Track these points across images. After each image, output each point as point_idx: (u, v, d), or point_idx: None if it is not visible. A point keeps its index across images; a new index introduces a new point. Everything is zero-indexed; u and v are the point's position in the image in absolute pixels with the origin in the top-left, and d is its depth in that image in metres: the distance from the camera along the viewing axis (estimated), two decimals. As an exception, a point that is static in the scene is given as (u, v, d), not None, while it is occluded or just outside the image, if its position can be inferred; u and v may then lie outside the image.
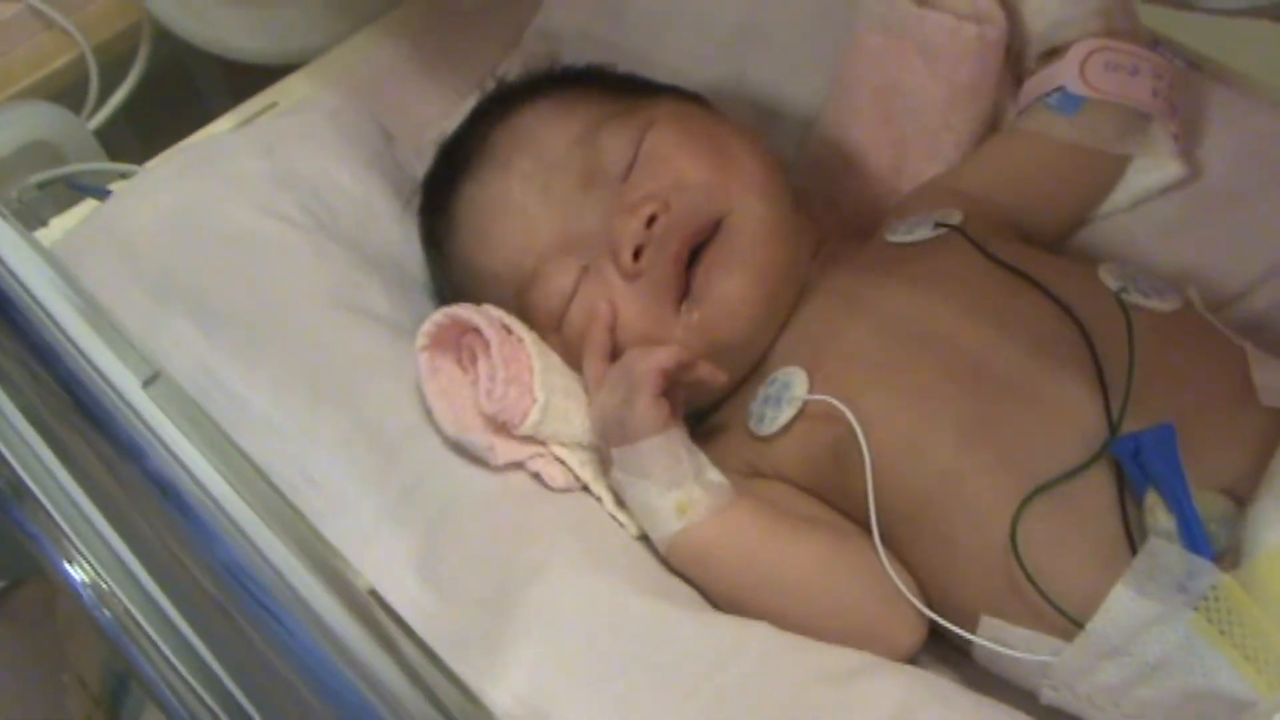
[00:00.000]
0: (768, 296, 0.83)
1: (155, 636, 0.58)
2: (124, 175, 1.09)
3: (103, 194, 1.04)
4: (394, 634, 0.52)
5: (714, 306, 0.81)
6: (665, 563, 0.78)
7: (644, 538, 0.79)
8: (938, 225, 0.85)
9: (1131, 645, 0.65)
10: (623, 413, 0.77)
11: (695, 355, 0.79)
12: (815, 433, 0.79)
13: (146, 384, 0.58)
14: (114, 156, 1.17)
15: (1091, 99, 0.89)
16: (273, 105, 1.14)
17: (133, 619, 0.59)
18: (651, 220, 0.80)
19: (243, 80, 1.23)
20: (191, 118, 1.15)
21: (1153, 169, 0.91)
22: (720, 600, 0.76)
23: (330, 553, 0.55)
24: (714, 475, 0.78)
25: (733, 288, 0.81)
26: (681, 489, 0.76)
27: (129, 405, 0.57)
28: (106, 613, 0.61)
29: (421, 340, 0.80)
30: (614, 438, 0.78)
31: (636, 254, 0.80)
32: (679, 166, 0.83)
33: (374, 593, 0.54)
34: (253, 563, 0.52)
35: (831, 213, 0.95)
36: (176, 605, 0.58)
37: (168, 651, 0.58)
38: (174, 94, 1.33)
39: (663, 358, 0.77)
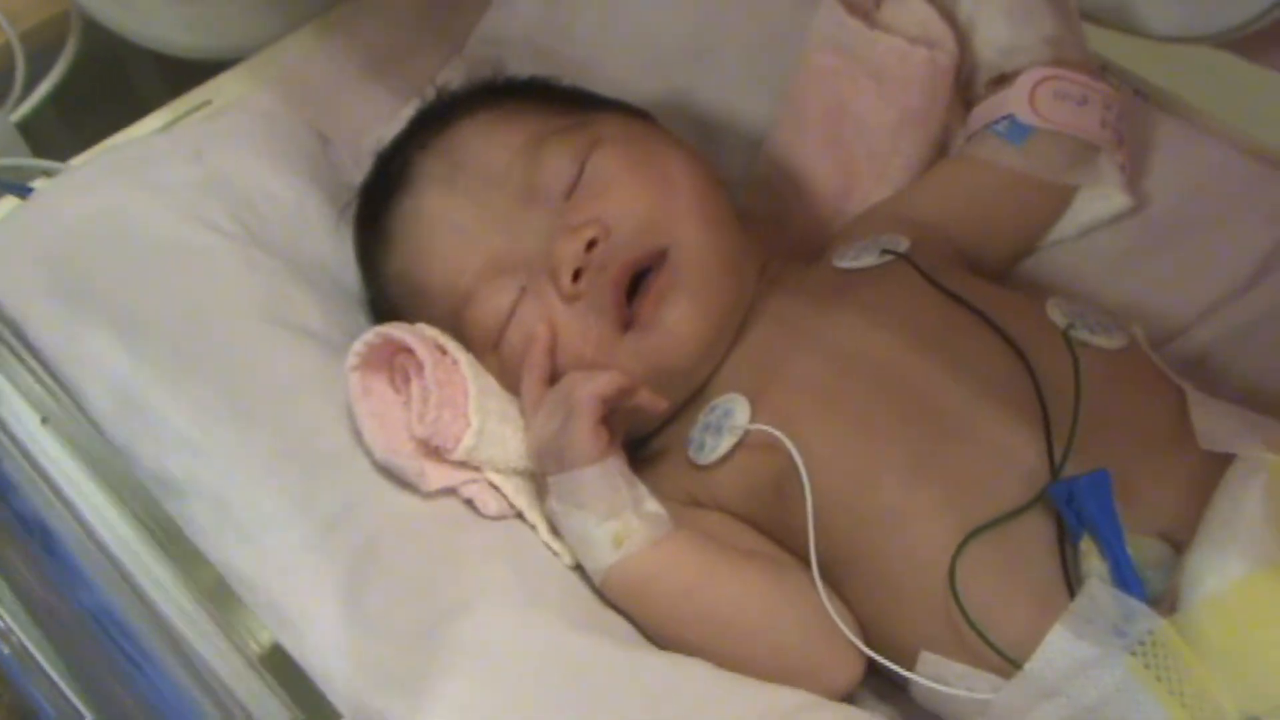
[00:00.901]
0: (714, 325, 0.81)
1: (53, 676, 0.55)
2: (47, 172, 1.05)
3: (24, 192, 1.00)
4: (298, 690, 0.49)
5: (658, 334, 0.79)
6: (601, 595, 0.76)
7: (579, 568, 0.77)
8: (884, 252, 0.84)
9: (1068, 687, 0.64)
10: (560, 440, 0.75)
11: (636, 381, 0.77)
12: (756, 463, 0.78)
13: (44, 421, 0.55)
14: (40, 151, 1.12)
15: (1040, 128, 0.88)
16: (206, 103, 1.10)
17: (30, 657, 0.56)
18: (592, 244, 0.78)
19: (179, 73, 1.19)
20: (124, 111, 1.11)
21: (1099, 199, 0.91)
22: (655, 634, 0.75)
23: (231, 603, 0.52)
24: (652, 506, 0.76)
25: (678, 317, 0.79)
26: (618, 520, 0.74)
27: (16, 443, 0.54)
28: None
29: (352, 360, 0.77)
30: (550, 465, 0.76)
31: (576, 276, 0.78)
32: (623, 191, 0.81)
33: (277, 647, 0.51)
34: (127, 611, 0.49)
35: (778, 233, 0.94)
36: (55, 649, 0.55)
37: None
38: (106, 86, 1.29)
39: (603, 384, 0.75)
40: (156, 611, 0.49)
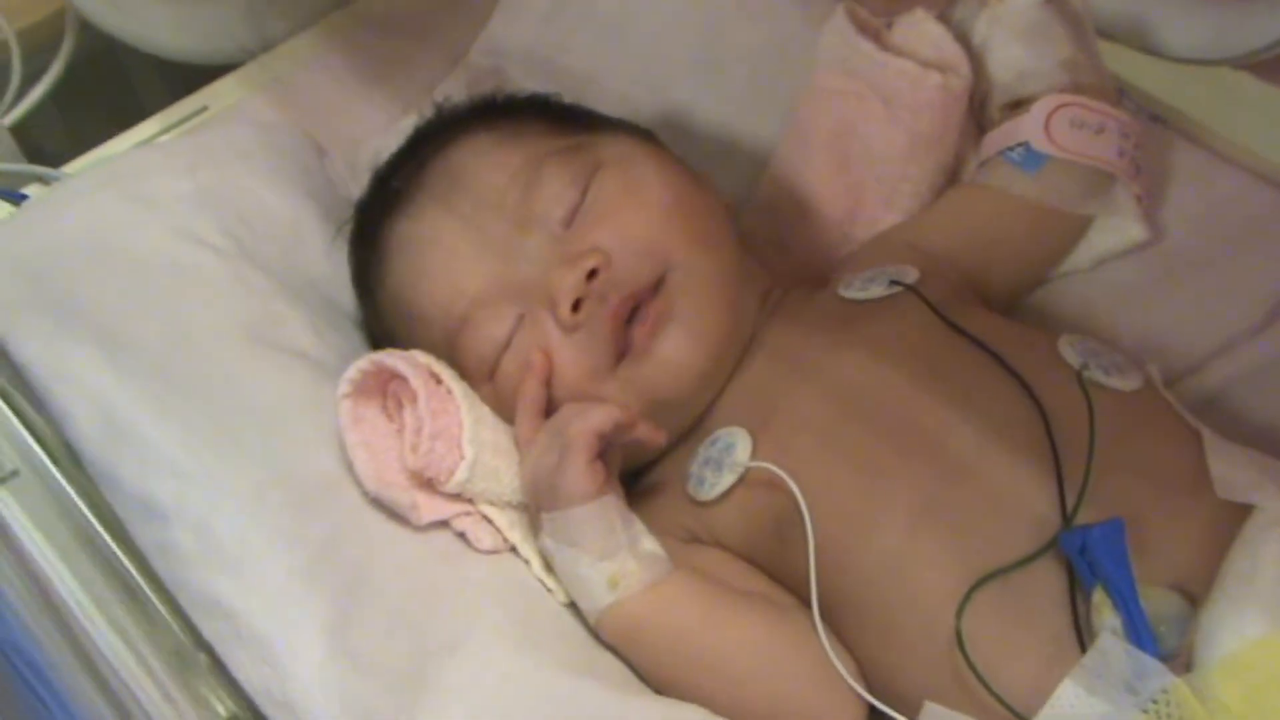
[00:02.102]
0: (712, 356, 0.79)
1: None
2: (41, 178, 1.03)
3: (16, 198, 0.98)
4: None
5: (655, 365, 0.77)
6: (596, 634, 0.74)
7: (574, 605, 0.75)
8: (892, 283, 0.82)
9: None
10: (554, 477, 0.73)
11: (633, 414, 0.75)
12: (757, 501, 0.76)
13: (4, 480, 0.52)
14: (36, 155, 1.11)
15: (1055, 157, 0.86)
16: (202, 109, 1.09)
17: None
18: (593, 274, 0.76)
19: (179, 76, 1.18)
20: (122, 114, 1.10)
21: (1114, 230, 0.89)
22: (651, 678, 0.73)
23: (193, 673, 0.50)
24: (649, 545, 0.74)
25: (676, 346, 0.78)
26: (614, 560, 0.72)
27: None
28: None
29: (345, 387, 0.75)
30: (544, 502, 0.74)
31: (576, 306, 0.76)
32: (625, 218, 0.79)
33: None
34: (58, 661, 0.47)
35: (782, 258, 0.92)
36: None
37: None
38: (104, 88, 1.27)
39: (599, 419, 0.73)
40: (111, 670, 0.47)
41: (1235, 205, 0.90)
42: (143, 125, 1.08)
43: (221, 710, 0.51)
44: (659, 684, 0.73)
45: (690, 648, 0.72)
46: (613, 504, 0.73)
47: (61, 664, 0.47)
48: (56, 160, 1.05)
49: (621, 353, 0.77)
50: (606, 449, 0.75)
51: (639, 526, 0.75)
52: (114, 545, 0.58)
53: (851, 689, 0.70)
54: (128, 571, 0.57)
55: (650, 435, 0.76)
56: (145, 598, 0.55)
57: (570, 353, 0.77)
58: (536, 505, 0.75)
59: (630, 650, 0.73)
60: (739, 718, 0.70)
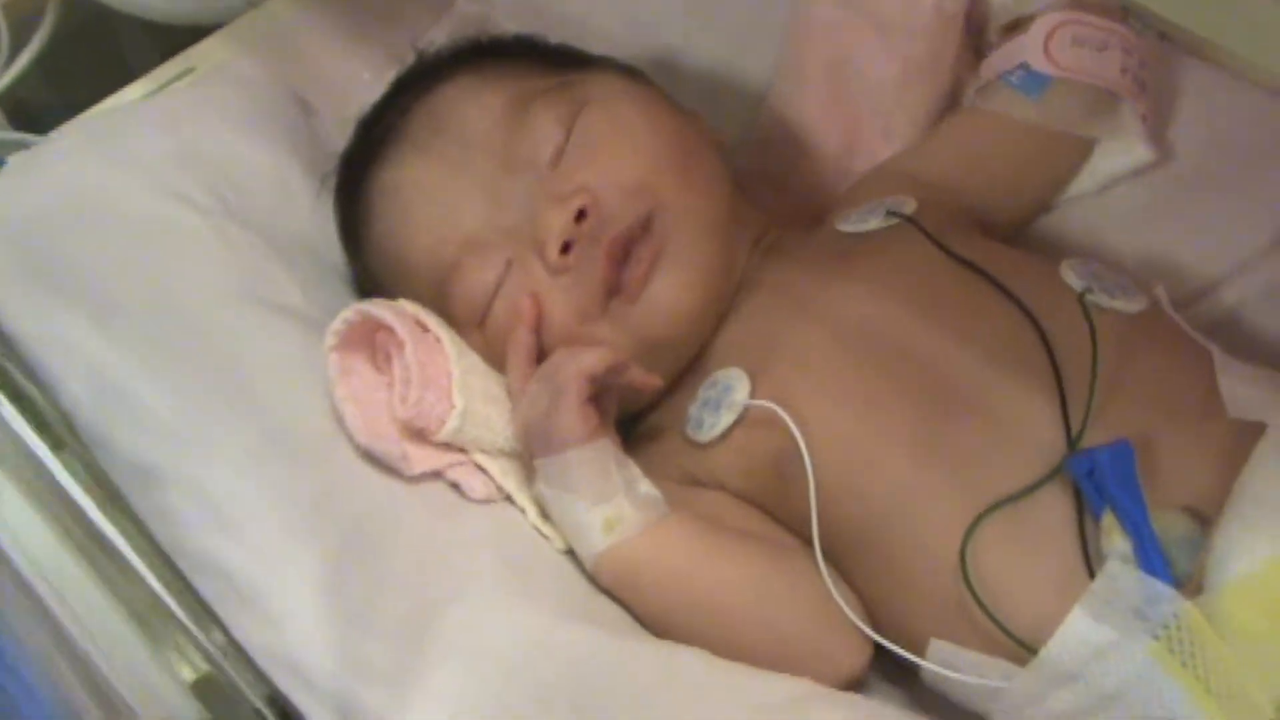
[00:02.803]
0: (703, 294, 0.78)
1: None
2: (24, 146, 1.01)
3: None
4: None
5: (647, 305, 0.76)
6: (594, 580, 0.73)
7: (571, 551, 0.74)
8: (890, 214, 0.80)
9: (1087, 673, 0.62)
10: (547, 421, 0.72)
11: (627, 357, 0.74)
12: (756, 441, 0.74)
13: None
14: (25, 123, 1.09)
15: (1056, 77, 0.83)
16: (189, 71, 1.07)
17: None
18: (581, 214, 0.74)
19: (168, 39, 1.16)
20: (111, 80, 1.08)
21: (1120, 152, 0.87)
22: (651, 622, 0.72)
23: (163, 637, 0.49)
24: (645, 488, 0.73)
25: (667, 286, 0.76)
26: (609, 504, 0.71)
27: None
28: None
29: (331, 339, 0.74)
30: (538, 448, 0.73)
31: (565, 249, 0.74)
32: (612, 156, 0.77)
33: (208, 679, 0.48)
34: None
35: (780, 196, 0.90)
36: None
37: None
38: (92, 53, 1.25)
39: (590, 361, 0.72)
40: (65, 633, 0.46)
41: (1245, 123, 0.88)
42: (129, 88, 1.06)
43: (188, 673, 0.49)
44: (658, 627, 0.72)
45: (688, 590, 0.72)
46: (607, 447, 0.72)
47: (19, 624, 0.46)
48: (45, 128, 1.04)
49: (611, 295, 0.76)
50: (600, 393, 0.74)
51: (635, 470, 0.73)
52: (82, 503, 0.56)
53: (855, 628, 0.69)
54: (97, 532, 0.56)
55: (644, 379, 0.75)
56: (117, 557, 0.53)
57: (560, 296, 0.76)
58: (530, 452, 0.74)
59: (628, 594, 0.72)
60: (740, 659, 0.69)
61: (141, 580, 0.53)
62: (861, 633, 0.70)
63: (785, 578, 0.72)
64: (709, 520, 0.74)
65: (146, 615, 0.50)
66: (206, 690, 0.48)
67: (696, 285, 0.77)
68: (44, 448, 0.57)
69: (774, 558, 0.73)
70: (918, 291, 0.75)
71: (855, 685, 0.72)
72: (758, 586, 0.72)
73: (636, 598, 0.72)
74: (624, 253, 0.75)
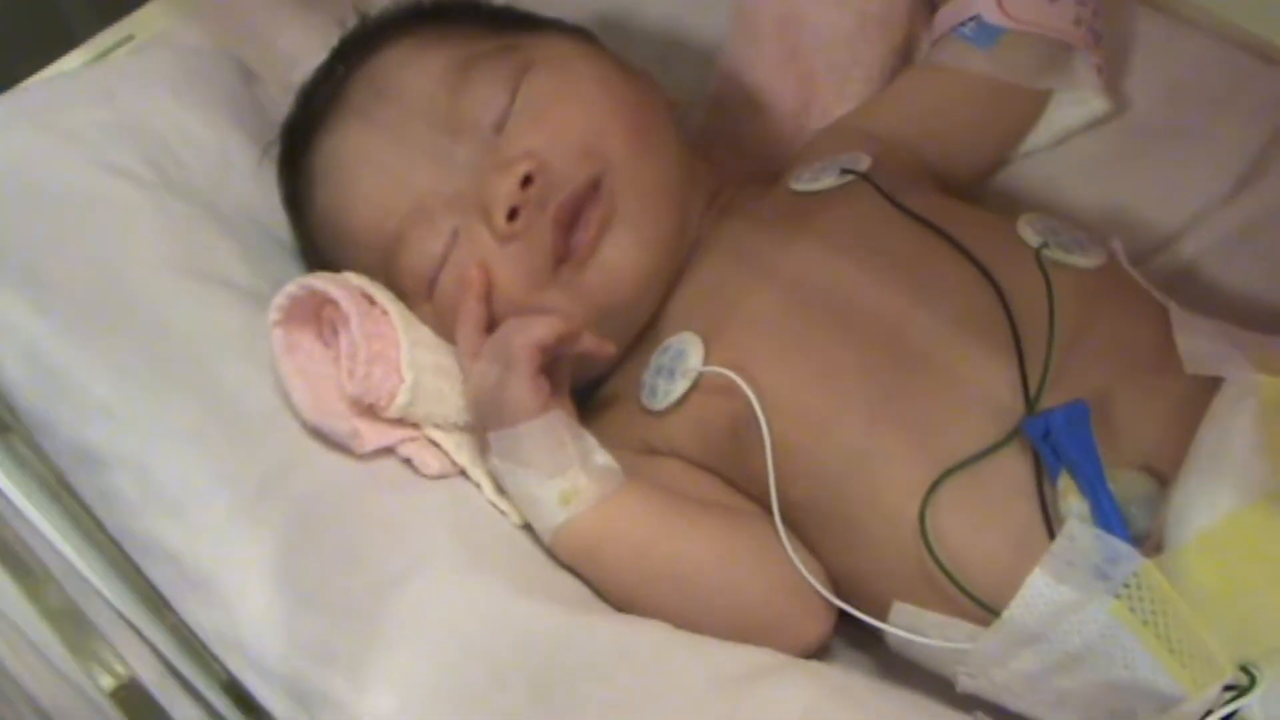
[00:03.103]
0: (655, 257, 0.76)
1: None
2: (-39, 120, 0.99)
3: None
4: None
5: (597, 270, 0.74)
6: (549, 554, 0.72)
7: (528, 526, 0.73)
8: (844, 172, 0.79)
9: (1050, 633, 0.61)
10: (498, 393, 0.70)
11: (579, 325, 0.72)
12: (712, 408, 0.73)
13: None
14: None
15: (1009, 29, 0.82)
16: (129, 39, 1.04)
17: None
18: (527, 180, 0.73)
19: (112, 4, 1.13)
20: (53, 46, 1.05)
21: (1074, 104, 0.86)
22: (611, 595, 0.71)
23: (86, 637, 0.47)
24: (601, 459, 0.72)
25: (617, 249, 0.74)
26: (564, 477, 0.70)
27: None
28: None
29: (274, 314, 0.72)
30: (490, 420, 0.72)
31: (511, 215, 0.73)
32: (558, 119, 0.75)
33: (133, 681, 0.46)
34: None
35: (736, 156, 0.89)
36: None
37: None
38: (34, 19, 1.22)
39: (540, 331, 0.70)
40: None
41: (1201, 73, 0.87)
42: (67, 57, 1.03)
43: (107, 681, 0.48)
44: (618, 600, 0.71)
45: (648, 561, 0.71)
46: (560, 419, 0.71)
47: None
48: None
49: (560, 260, 0.74)
50: (553, 363, 0.72)
51: (590, 441, 0.72)
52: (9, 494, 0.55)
53: (817, 593, 0.69)
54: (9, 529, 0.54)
55: (598, 347, 0.73)
56: (29, 556, 0.52)
57: (509, 264, 0.74)
58: (483, 425, 0.72)
59: (587, 567, 0.71)
60: (703, 629, 0.68)
61: (59, 584, 0.51)
62: (823, 599, 0.69)
63: (745, 546, 0.71)
64: (667, 489, 0.73)
65: (66, 620, 0.48)
66: (128, 698, 0.47)
67: (648, 247, 0.75)
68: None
69: (733, 526, 0.72)
70: (873, 250, 0.74)
71: (819, 652, 0.72)
72: (718, 555, 0.71)
73: (595, 570, 0.71)
74: (572, 217, 0.74)
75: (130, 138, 0.84)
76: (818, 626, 0.71)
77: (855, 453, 0.69)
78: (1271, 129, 0.84)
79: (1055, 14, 0.83)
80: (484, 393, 0.71)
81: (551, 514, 0.70)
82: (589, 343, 0.73)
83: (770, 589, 0.70)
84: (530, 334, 0.70)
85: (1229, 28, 0.88)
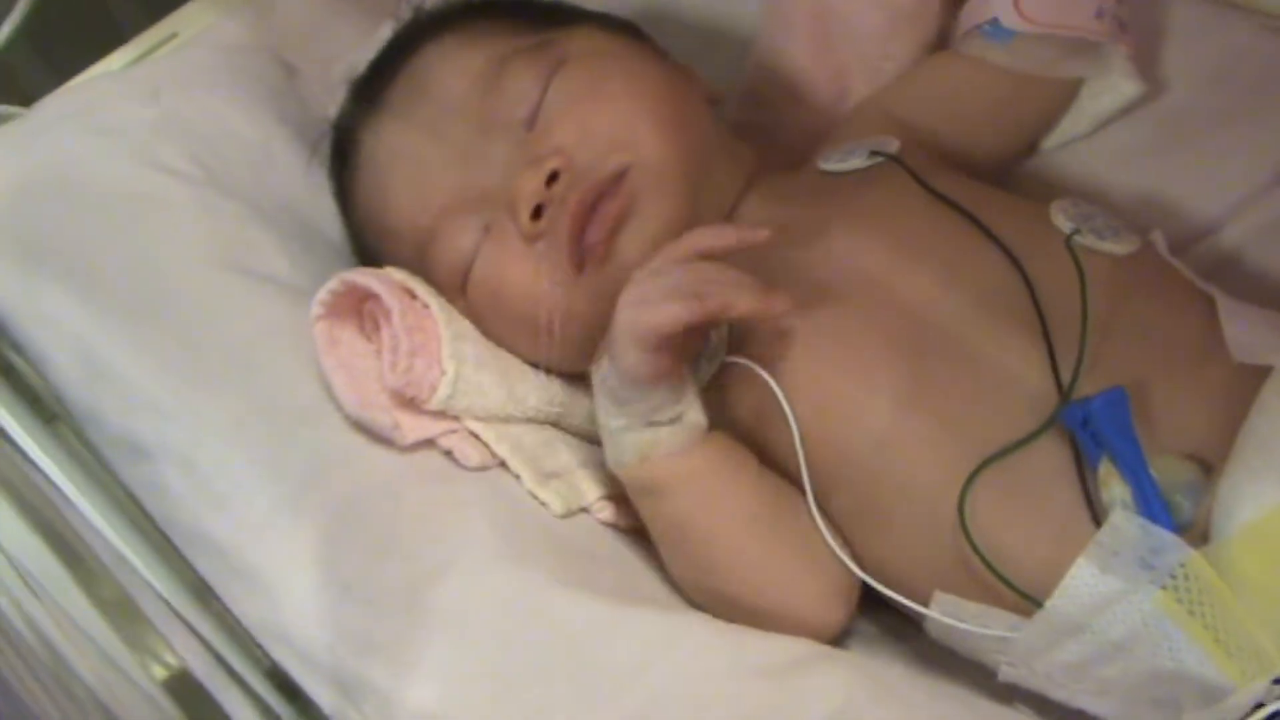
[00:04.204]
0: None
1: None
2: (8, 118, 1.00)
3: (-12, 140, 0.95)
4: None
5: (617, 268, 0.73)
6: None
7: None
8: (873, 154, 0.78)
9: (1093, 623, 0.61)
10: (634, 336, 0.67)
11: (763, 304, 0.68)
12: (736, 394, 0.73)
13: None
14: (10, 93, 1.08)
15: (1024, 32, 0.81)
16: (172, 36, 1.06)
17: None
18: (554, 177, 0.72)
19: (157, 3, 1.14)
20: (101, 44, 1.06)
21: (1105, 91, 0.85)
22: (656, 538, 0.72)
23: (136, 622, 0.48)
24: (693, 416, 0.70)
25: (635, 247, 0.73)
26: (650, 431, 0.69)
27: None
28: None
29: (317, 309, 0.73)
30: (614, 349, 0.69)
31: (537, 213, 0.73)
32: (587, 114, 0.75)
33: (183, 675, 0.47)
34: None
35: (772, 147, 0.88)
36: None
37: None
38: (80, 17, 1.23)
39: (721, 301, 0.66)
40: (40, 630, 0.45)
41: (1242, 56, 0.85)
42: (112, 56, 1.05)
43: (159, 671, 0.48)
44: (671, 553, 0.72)
45: (704, 519, 0.71)
46: (666, 387, 0.69)
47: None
48: (33, 98, 1.02)
49: (579, 264, 0.73)
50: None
51: (687, 402, 0.70)
52: (62, 485, 0.56)
53: (839, 575, 0.69)
54: (61, 519, 0.55)
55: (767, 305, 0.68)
56: (81, 547, 0.52)
57: (533, 263, 0.74)
58: (605, 345, 0.70)
59: (646, 504, 0.72)
60: (731, 595, 0.69)
61: (111, 575, 0.51)
62: (847, 578, 0.69)
63: (790, 523, 0.70)
64: (741, 457, 0.72)
65: (118, 611, 0.48)
66: (180, 688, 0.47)
67: (665, 241, 0.73)
68: (20, 431, 0.55)
69: (781, 498, 0.72)
70: (902, 233, 0.74)
71: (860, 642, 0.72)
72: (760, 530, 0.71)
73: (651, 511, 0.72)
74: (588, 215, 0.73)
75: (175, 135, 0.85)
76: (840, 608, 0.71)
77: (884, 439, 0.68)
78: (1314, 118, 0.83)
79: (1074, 11, 0.81)
80: (623, 325, 0.68)
81: (627, 456, 0.70)
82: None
83: (799, 569, 0.70)
84: (715, 300, 0.65)
85: (1269, 13, 0.86)
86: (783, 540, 0.70)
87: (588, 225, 0.73)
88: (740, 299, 0.66)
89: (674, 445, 0.70)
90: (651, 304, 0.66)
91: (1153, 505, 0.61)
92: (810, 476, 0.69)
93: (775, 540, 0.70)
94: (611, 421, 0.70)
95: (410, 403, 0.72)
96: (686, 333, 0.67)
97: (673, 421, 0.70)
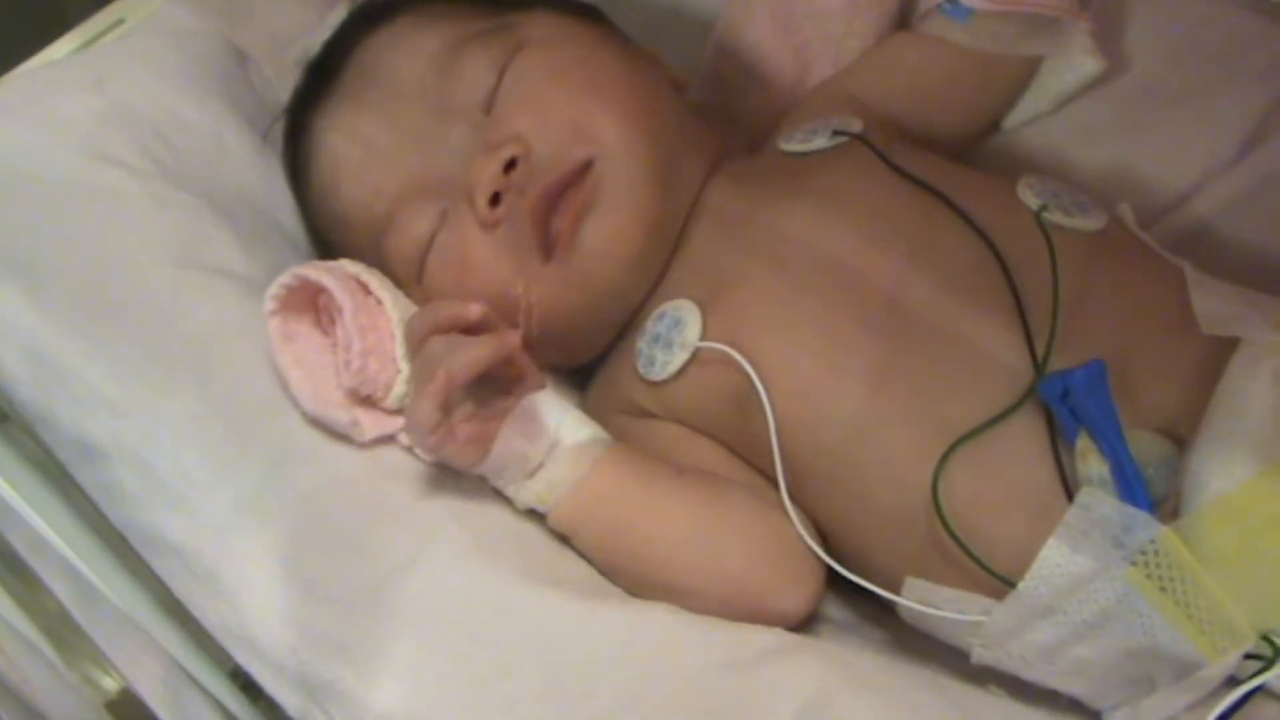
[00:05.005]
0: (642, 240, 0.75)
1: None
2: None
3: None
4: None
5: (584, 257, 0.73)
6: (556, 540, 0.71)
7: (532, 512, 0.72)
8: (836, 134, 0.78)
9: (1065, 604, 0.61)
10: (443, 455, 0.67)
11: (566, 310, 0.72)
12: (711, 380, 0.72)
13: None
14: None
15: (983, 10, 0.81)
16: (119, 22, 1.03)
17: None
18: (511, 164, 0.71)
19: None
20: (48, 30, 1.04)
21: (1067, 68, 0.84)
22: (604, 573, 0.71)
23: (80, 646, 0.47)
24: (570, 439, 0.69)
25: (601, 235, 0.73)
26: (537, 477, 0.69)
27: None
28: None
29: (270, 304, 0.71)
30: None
31: (495, 200, 0.71)
32: (546, 100, 0.74)
33: (126, 691, 0.46)
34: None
35: (732, 130, 0.87)
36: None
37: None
38: (27, 2, 1.21)
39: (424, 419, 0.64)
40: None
41: (1204, 29, 0.85)
42: (58, 43, 1.02)
43: (111, 684, 0.47)
44: (614, 577, 0.71)
45: (625, 540, 0.70)
46: (513, 440, 0.68)
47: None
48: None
49: (547, 252, 0.73)
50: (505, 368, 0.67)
51: (559, 421, 0.70)
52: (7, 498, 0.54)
53: (802, 560, 0.69)
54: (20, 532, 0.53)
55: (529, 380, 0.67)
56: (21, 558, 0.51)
57: (492, 250, 0.73)
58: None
59: (579, 546, 0.71)
60: (695, 602, 0.68)
61: (50, 591, 0.50)
62: (810, 567, 0.69)
63: (722, 516, 0.70)
64: (646, 461, 0.72)
65: (60, 628, 0.47)
66: (125, 708, 0.46)
67: (636, 229, 0.74)
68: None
69: (711, 495, 0.71)
70: (869, 212, 0.73)
71: (833, 628, 0.72)
72: (692, 530, 0.70)
73: (583, 550, 0.71)
74: (550, 204, 0.72)
75: (122, 126, 0.83)
76: (805, 594, 0.70)
77: (859, 423, 0.68)
78: (1277, 89, 0.82)
79: (1035, -13, 0.81)
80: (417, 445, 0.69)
81: (539, 505, 0.70)
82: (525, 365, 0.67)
83: (750, 559, 0.69)
84: (438, 376, 0.63)
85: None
86: (736, 528, 0.70)
87: (552, 213, 0.72)
88: (456, 360, 0.63)
89: (568, 477, 0.69)
90: (410, 416, 0.65)
91: (1131, 482, 0.61)
92: (784, 460, 0.68)
93: (728, 533, 0.70)
94: (506, 490, 0.70)
95: (368, 400, 0.71)
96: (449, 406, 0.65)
97: (551, 456, 0.69)
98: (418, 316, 0.67)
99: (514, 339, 0.64)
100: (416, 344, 0.66)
